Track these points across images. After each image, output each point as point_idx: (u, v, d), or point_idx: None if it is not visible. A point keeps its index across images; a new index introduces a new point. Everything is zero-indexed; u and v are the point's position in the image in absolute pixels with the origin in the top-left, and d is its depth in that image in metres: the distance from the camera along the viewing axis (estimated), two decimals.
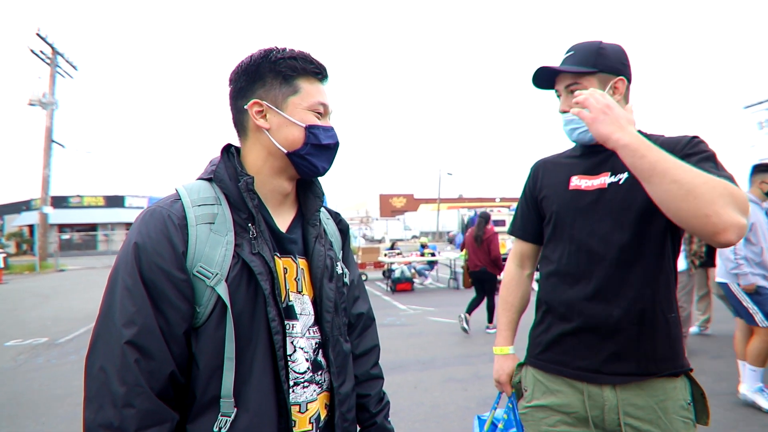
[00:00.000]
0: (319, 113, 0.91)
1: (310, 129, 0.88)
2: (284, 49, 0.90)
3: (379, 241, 27.61)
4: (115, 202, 31.03)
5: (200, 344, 0.79)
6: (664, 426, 1.12)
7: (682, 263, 3.51)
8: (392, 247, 11.87)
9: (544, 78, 1.31)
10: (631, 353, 1.14)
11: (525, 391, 1.32)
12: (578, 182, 1.26)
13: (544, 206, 1.35)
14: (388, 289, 9.93)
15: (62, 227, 29.17)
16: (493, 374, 1.45)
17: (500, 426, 1.41)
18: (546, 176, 1.37)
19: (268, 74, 0.88)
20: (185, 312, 0.77)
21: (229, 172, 0.89)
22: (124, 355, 0.71)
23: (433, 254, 11.09)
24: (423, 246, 11.50)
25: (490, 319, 5.94)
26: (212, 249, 0.81)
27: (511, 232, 1.50)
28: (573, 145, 1.37)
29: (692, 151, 1.11)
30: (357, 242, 16.20)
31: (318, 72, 0.91)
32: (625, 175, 1.18)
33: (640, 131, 1.17)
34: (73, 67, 20.29)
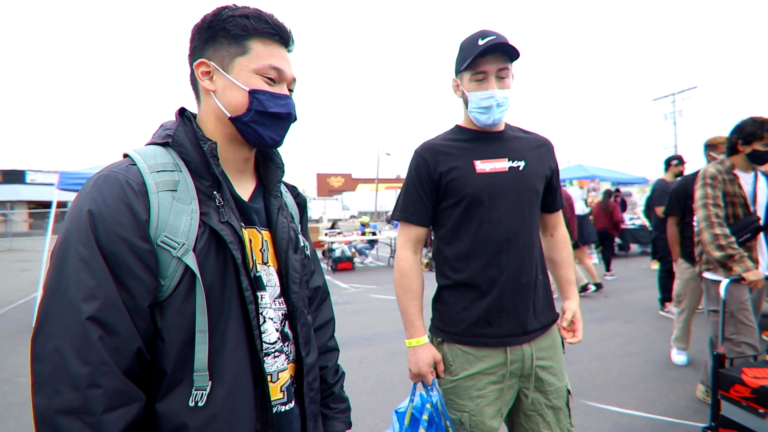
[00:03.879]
0: (270, 78, 0.84)
1: (254, 93, 0.82)
2: (238, 7, 0.82)
3: (317, 221, 27.27)
4: (14, 177, 27.59)
5: (167, 318, 0.73)
6: (556, 357, 1.44)
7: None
8: (333, 227, 11.79)
9: (483, 52, 1.30)
10: (538, 311, 1.40)
11: (451, 365, 1.39)
12: (483, 166, 1.37)
13: (450, 189, 1.38)
14: (329, 268, 9.90)
15: None
16: (411, 367, 1.40)
17: (425, 417, 1.36)
18: (447, 160, 1.39)
19: (219, 33, 0.82)
20: (150, 285, 0.71)
21: (189, 137, 0.82)
22: (85, 332, 0.64)
23: (374, 233, 11.19)
24: (364, 225, 11.55)
25: (607, 267, 7.97)
26: (176, 218, 0.74)
27: (404, 219, 1.46)
28: (452, 127, 1.51)
29: (557, 166, 1.52)
30: None
31: (273, 33, 0.84)
32: (523, 163, 1.40)
33: (507, 125, 1.49)
34: None
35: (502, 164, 1.38)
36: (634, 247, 10.99)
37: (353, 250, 10.72)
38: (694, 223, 3.25)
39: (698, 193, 2.60)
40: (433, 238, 1.57)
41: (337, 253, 9.90)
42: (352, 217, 33.59)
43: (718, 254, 2.43)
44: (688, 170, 5.35)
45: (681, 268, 3.66)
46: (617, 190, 9.78)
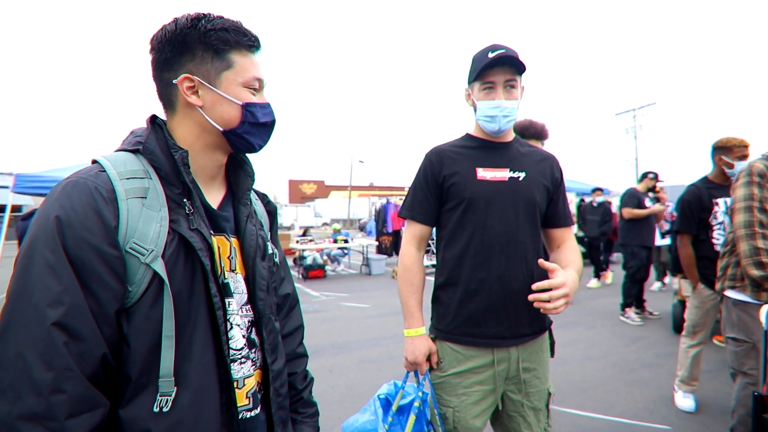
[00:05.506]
0: (254, 89, 0.88)
1: (247, 107, 0.86)
2: (214, 19, 0.83)
3: (288, 228, 26.87)
4: None
5: (133, 324, 0.73)
6: (541, 361, 1.50)
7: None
8: (305, 234, 11.69)
9: (492, 64, 1.37)
10: (529, 317, 1.43)
11: (441, 362, 1.46)
12: (484, 173, 1.44)
13: (451, 192, 1.46)
14: (300, 276, 9.80)
15: None
16: (408, 356, 1.47)
17: (417, 404, 1.44)
18: (451, 165, 1.47)
19: (197, 46, 0.82)
20: (117, 291, 0.72)
21: (160, 144, 0.83)
22: (50, 338, 0.64)
23: (346, 240, 11.16)
24: (337, 232, 11.51)
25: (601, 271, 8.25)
26: (146, 224, 0.76)
27: (410, 217, 1.53)
28: (463, 135, 1.57)
29: (561, 181, 1.55)
30: None
31: (252, 45, 0.87)
32: (523, 174, 1.45)
33: (516, 138, 1.55)
34: None
35: (503, 173, 1.44)
36: None
37: (325, 257, 10.65)
38: (714, 241, 2.88)
39: (741, 191, 2.02)
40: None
41: (309, 261, 9.82)
42: (325, 224, 33.34)
43: (756, 273, 1.90)
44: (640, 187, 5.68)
45: (701, 295, 2.99)
46: (582, 201, 10.17)
